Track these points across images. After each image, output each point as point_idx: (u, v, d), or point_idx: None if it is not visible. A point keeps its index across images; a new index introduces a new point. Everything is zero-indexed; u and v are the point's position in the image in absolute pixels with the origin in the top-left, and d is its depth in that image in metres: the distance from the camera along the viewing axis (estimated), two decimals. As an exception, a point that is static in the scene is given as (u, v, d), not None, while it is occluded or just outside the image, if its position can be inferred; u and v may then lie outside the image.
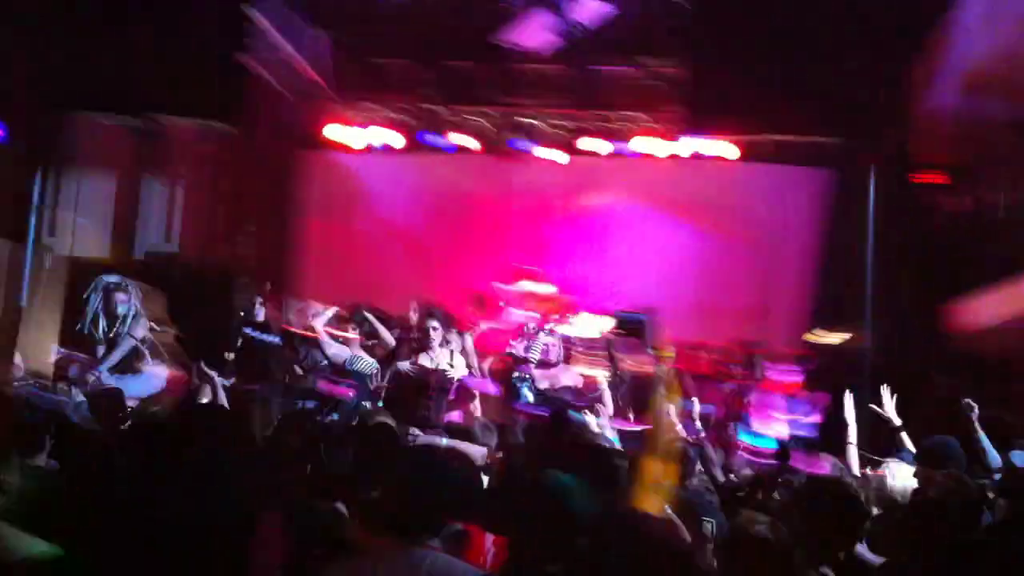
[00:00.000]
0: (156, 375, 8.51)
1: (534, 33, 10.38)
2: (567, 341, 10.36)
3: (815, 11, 9.78)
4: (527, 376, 9.22)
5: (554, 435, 6.14)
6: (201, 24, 9.54)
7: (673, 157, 12.33)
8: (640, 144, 12.23)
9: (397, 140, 12.70)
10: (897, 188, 11.19)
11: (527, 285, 11.62)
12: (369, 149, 12.94)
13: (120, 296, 8.56)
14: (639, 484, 4.15)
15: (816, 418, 9.28)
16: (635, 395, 9.27)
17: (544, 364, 9.55)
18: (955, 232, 10.74)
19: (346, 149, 12.95)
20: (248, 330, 9.40)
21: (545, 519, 2.96)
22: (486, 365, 9.80)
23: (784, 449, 6.72)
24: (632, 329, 9.97)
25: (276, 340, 9.47)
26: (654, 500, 4.07)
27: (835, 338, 12.19)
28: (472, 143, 12.58)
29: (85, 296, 8.64)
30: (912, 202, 11.20)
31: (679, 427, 5.99)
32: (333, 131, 12.70)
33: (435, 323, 8.68)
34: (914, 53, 10.19)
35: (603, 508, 3.26)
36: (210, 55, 9.59)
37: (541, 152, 12.54)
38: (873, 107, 10.59)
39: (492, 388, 9.32)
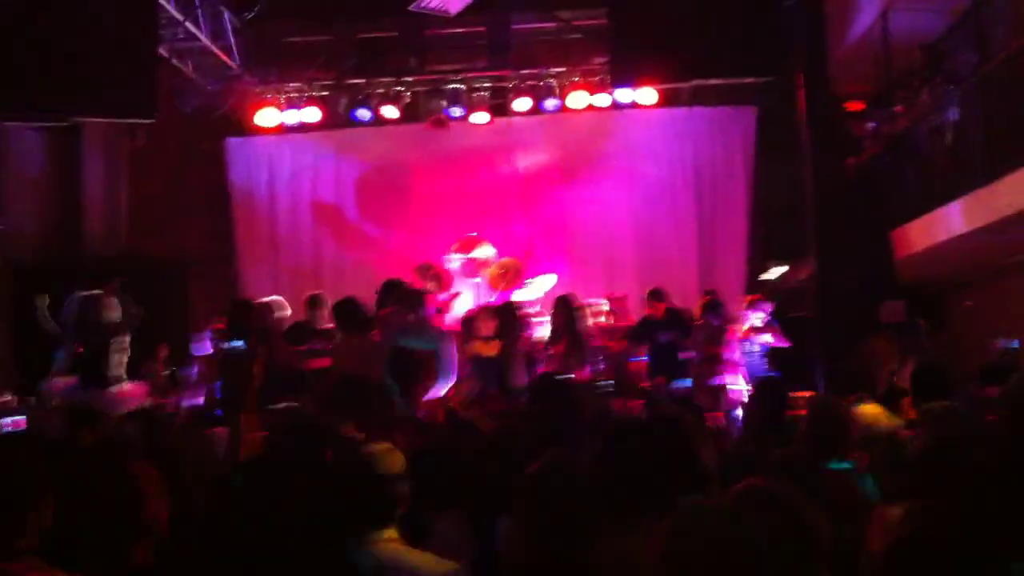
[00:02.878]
0: (123, 387, 8.33)
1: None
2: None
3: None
4: None
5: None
6: (113, 18, 9.20)
7: (593, 109, 12.31)
8: (567, 99, 12.15)
9: (316, 116, 12.42)
10: (823, 119, 11.31)
11: (473, 252, 11.56)
12: (291, 128, 12.67)
13: (94, 306, 8.38)
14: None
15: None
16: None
17: None
18: (883, 159, 10.92)
19: (268, 131, 12.68)
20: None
21: None
22: None
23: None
24: None
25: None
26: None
27: (782, 273, 12.40)
28: (394, 113, 12.37)
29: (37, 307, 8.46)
30: (838, 132, 11.33)
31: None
32: (253, 114, 12.41)
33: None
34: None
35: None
36: (123, 49, 9.26)
37: (466, 116, 12.38)
38: (793, 40, 10.66)
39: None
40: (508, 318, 8.06)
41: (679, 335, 9.56)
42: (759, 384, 6.89)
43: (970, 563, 2.22)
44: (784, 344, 9.49)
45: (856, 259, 10.05)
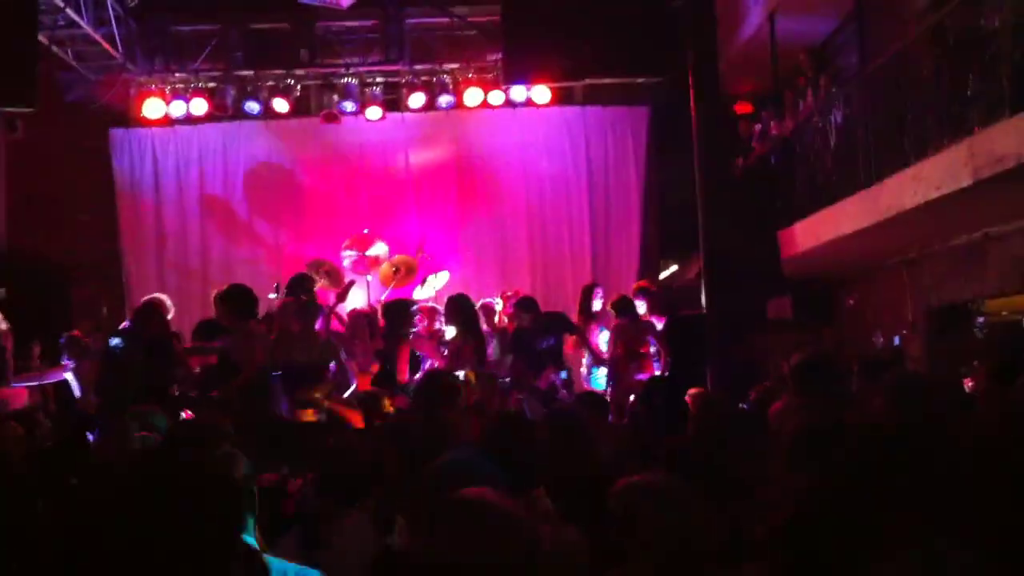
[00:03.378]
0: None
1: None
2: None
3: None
4: None
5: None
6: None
7: (488, 106, 12.25)
8: (461, 96, 12.06)
9: (201, 108, 12.02)
10: (711, 120, 11.46)
11: (366, 249, 11.41)
12: (177, 120, 12.27)
13: None
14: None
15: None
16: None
17: None
18: (771, 158, 11.12)
19: (154, 123, 12.24)
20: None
21: None
22: None
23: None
24: None
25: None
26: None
27: (673, 272, 12.54)
28: (283, 106, 12.07)
29: None
30: (727, 133, 11.50)
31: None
32: (138, 105, 11.97)
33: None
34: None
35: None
36: (1, 34, 8.81)
37: (359, 111, 12.16)
38: (683, 41, 10.77)
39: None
40: (395, 316, 7.93)
41: (558, 338, 9.44)
42: (647, 382, 6.93)
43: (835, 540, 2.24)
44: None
45: (743, 258, 10.19)
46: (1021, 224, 8.18)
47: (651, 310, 9.85)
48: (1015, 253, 8.45)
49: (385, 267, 11.40)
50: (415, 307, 8.60)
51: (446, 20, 11.99)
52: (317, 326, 7.97)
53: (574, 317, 10.01)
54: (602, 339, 9.78)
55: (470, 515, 1.99)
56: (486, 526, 1.95)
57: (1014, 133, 6.37)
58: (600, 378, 9.59)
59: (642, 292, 10.09)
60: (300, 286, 8.41)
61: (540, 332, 9.26)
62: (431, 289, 11.26)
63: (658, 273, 12.71)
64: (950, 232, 9.08)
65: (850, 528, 2.27)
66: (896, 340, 9.84)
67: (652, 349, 9.42)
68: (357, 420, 6.23)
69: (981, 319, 9.48)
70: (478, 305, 9.56)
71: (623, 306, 9.58)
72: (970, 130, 6.96)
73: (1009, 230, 8.42)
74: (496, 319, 9.94)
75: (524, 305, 9.45)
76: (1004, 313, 9.66)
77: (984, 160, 6.71)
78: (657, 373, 9.13)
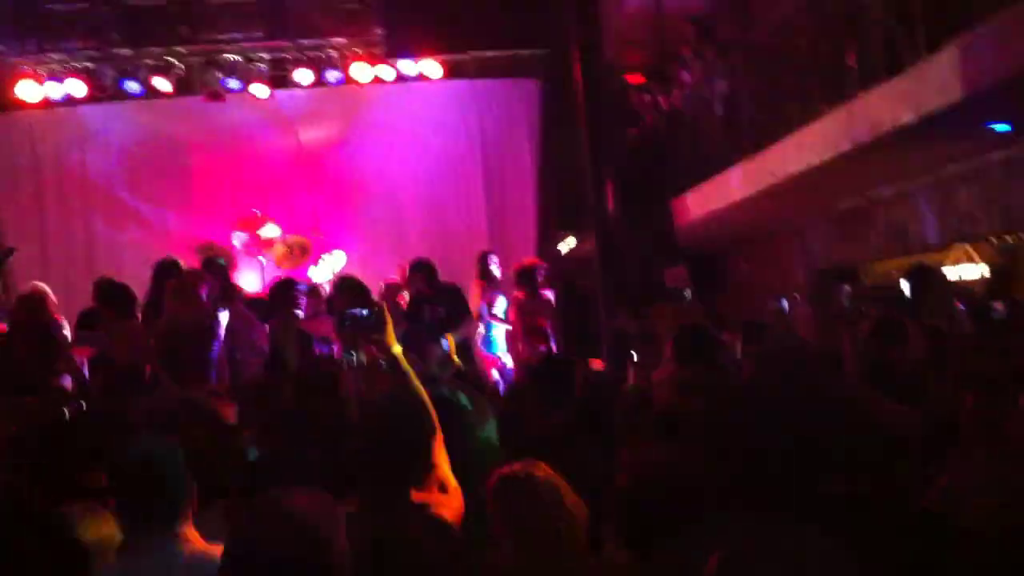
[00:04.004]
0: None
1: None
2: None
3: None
4: None
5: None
6: None
7: (379, 81, 12.07)
8: (350, 71, 11.85)
9: (79, 89, 11.59)
10: (599, 92, 11.48)
11: (263, 230, 11.17)
12: (55, 103, 11.78)
13: None
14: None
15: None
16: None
17: None
18: (660, 130, 11.22)
19: (30, 106, 11.73)
20: None
21: None
22: None
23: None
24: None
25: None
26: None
27: (567, 244, 12.56)
28: (165, 85, 11.71)
29: None
30: (616, 103, 11.55)
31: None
32: (11, 87, 11.47)
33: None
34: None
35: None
36: None
37: (244, 88, 11.85)
38: (569, 13, 10.76)
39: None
40: (280, 297, 7.70)
41: (450, 310, 8.79)
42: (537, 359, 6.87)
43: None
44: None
45: (635, 228, 10.26)
46: (901, 188, 8.41)
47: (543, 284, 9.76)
48: (895, 217, 8.69)
49: (279, 247, 11.19)
50: (301, 286, 8.36)
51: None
52: None
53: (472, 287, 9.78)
54: (499, 305, 9.59)
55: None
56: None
57: (889, 99, 6.52)
58: (499, 340, 9.44)
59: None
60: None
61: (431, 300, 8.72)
62: (328, 270, 11.09)
63: (555, 245, 12.72)
64: (834, 198, 9.29)
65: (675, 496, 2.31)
66: (784, 304, 10.02)
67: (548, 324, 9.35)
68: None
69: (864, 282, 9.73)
70: (382, 284, 9.38)
71: (526, 278, 9.44)
72: (848, 97, 7.10)
73: (890, 194, 8.65)
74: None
75: (419, 268, 8.83)
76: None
77: (862, 126, 6.86)
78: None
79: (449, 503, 2.95)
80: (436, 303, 8.60)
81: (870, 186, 8.72)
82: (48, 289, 8.24)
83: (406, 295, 9.45)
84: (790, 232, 10.76)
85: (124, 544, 2.67)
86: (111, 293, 7.40)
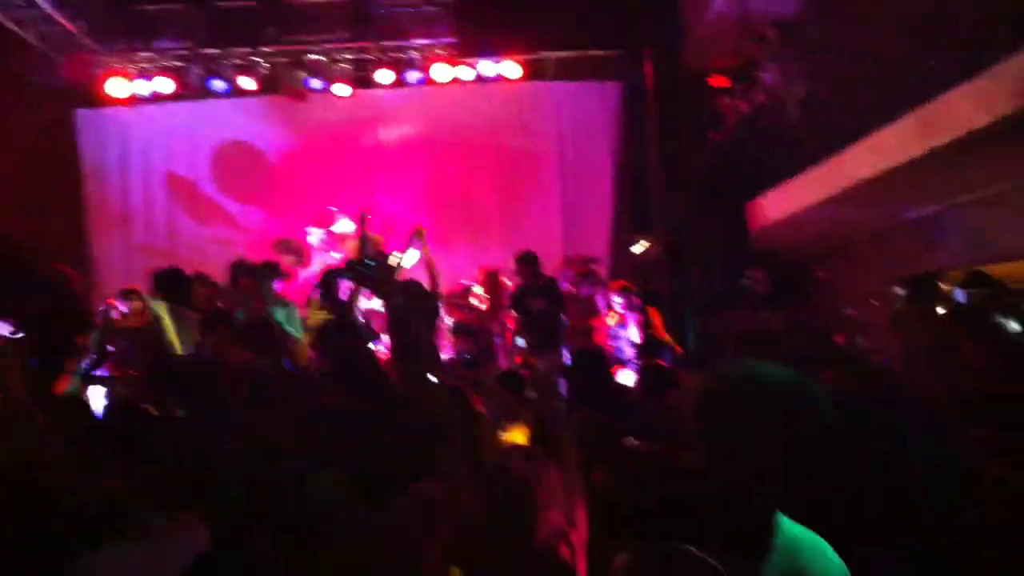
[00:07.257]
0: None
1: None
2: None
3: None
4: None
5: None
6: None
7: (458, 82, 12.17)
8: (431, 72, 11.98)
9: (167, 87, 11.93)
10: (682, 94, 11.42)
11: (337, 226, 11.31)
12: (143, 100, 12.15)
13: None
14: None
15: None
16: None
17: None
18: (742, 133, 11.05)
19: (119, 102, 12.12)
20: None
21: None
22: None
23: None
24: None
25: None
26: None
27: (645, 247, 12.47)
28: (250, 84, 11.97)
29: None
30: (699, 107, 11.45)
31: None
32: (104, 85, 11.85)
33: None
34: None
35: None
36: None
37: (327, 88, 12.07)
38: (651, 15, 10.72)
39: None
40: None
41: (551, 303, 9.14)
42: (577, 355, 6.75)
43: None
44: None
45: (714, 232, 10.15)
46: (979, 195, 8.17)
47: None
48: (974, 224, 8.44)
49: (352, 244, 11.30)
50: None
51: (414, -4, 11.89)
52: None
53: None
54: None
55: None
56: None
57: (963, 101, 6.34)
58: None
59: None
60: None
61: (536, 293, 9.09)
62: (403, 267, 11.16)
63: (633, 248, 12.66)
64: (911, 203, 9.06)
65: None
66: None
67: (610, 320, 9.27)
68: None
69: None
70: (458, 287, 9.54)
71: (580, 278, 9.48)
72: (923, 101, 6.93)
73: (969, 200, 8.40)
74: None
75: (526, 260, 9.24)
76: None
77: (936, 129, 6.68)
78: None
79: None
80: (539, 295, 8.86)
81: (948, 191, 8.48)
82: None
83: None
84: (867, 239, 10.51)
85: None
86: (163, 281, 7.41)
